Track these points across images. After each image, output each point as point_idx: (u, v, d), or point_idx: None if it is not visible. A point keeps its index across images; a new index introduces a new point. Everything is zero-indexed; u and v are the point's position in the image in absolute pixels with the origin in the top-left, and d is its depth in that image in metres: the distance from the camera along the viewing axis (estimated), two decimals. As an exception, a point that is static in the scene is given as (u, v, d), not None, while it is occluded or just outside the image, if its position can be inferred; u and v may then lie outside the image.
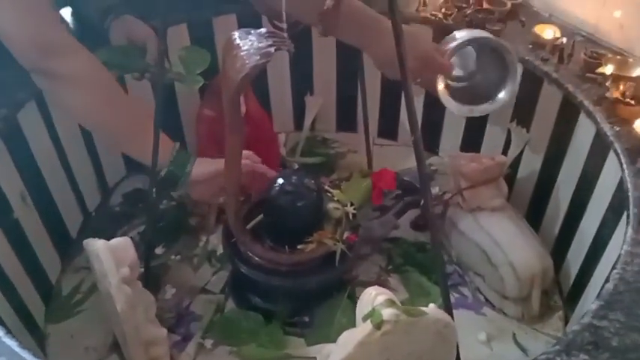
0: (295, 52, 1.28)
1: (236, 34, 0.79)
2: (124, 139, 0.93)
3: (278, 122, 1.33)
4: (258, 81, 1.27)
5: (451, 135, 1.31)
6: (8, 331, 0.66)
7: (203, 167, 0.93)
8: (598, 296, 0.70)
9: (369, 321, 0.69)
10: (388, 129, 1.39)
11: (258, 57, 0.74)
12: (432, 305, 0.72)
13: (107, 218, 1.20)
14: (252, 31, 0.79)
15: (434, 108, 1.28)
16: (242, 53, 0.76)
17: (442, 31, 1.18)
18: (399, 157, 1.29)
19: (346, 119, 1.41)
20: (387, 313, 0.68)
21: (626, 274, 0.71)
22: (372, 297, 0.74)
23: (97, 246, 0.83)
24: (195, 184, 0.93)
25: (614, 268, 0.73)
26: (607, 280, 0.72)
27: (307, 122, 1.38)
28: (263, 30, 0.78)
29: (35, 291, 1.00)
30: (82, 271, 1.09)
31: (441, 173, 1.26)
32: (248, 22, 1.16)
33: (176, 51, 1.05)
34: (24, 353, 0.62)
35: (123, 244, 0.85)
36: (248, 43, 0.77)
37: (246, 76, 0.74)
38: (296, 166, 1.29)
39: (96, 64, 0.91)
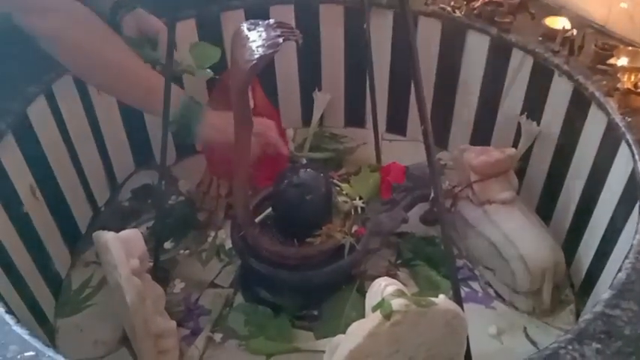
0: (303, 49, 1.30)
1: (244, 26, 0.79)
2: (124, 91, 0.95)
3: (286, 118, 1.33)
4: (266, 77, 1.27)
5: (461, 130, 1.30)
6: (18, 321, 0.66)
7: (215, 116, 0.94)
8: (610, 285, 0.69)
9: (378, 311, 0.68)
10: (397, 124, 1.39)
11: (266, 48, 0.74)
12: (441, 296, 0.71)
13: (116, 213, 1.21)
14: (261, 23, 0.79)
15: (443, 103, 1.28)
16: (250, 44, 0.76)
17: (451, 25, 1.19)
18: (407, 152, 1.29)
19: (354, 114, 1.41)
20: (397, 303, 0.68)
21: (638, 264, 0.70)
22: (382, 288, 0.74)
23: (106, 238, 0.83)
24: (208, 132, 0.94)
25: (626, 257, 0.72)
26: (619, 270, 0.71)
27: (315, 118, 1.37)
28: (271, 21, 0.78)
29: (45, 285, 1.00)
30: (91, 265, 1.09)
31: (450, 168, 1.25)
32: (256, 17, 1.14)
33: (186, 45, 1.05)
34: (34, 342, 0.62)
35: (132, 235, 0.85)
36: (256, 35, 0.77)
37: (254, 66, 0.74)
38: (304, 162, 1.29)
39: (88, 24, 0.90)
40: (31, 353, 0.61)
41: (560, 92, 1.05)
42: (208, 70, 1.03)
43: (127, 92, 0.97)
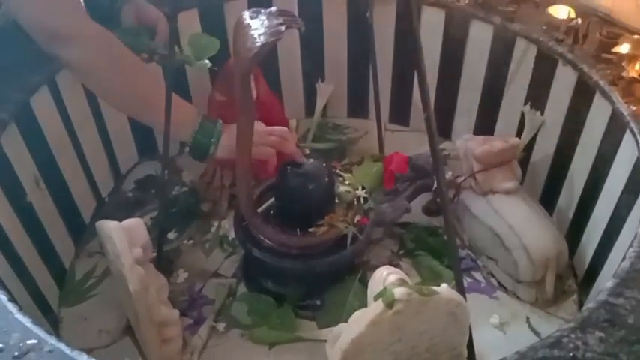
0: (306, 39, 1.29)
1: (246, 14, 0.79)
2: (146, 115, 0.95)
3: (289, 108, 1.32)
4: (269, 67, 1.27)
5: (464, 120, 1.30)
6: (21, 309, 0.66)
7: (230, 136, 0.93)
8: (614, 274, 0.69)
9: (380, 300, 0.68)
10: (400, 115, 1.38)
11: (268, 35, 0.74)
12: (444, 285, 0.71)
13: (120, 204, 1.21)
14: (263, 11, 0.79)
15: (446, 94, 1.28)
16: (252, 32, 0.75)
17: (454, 14, 1.18)
18: (410, 143, 1.29)
19: (358, 105, 1.41)
20: (399, 291, 0.68)
21: (642, 252, 0.70)
22: (384, 276, 0.74)
23: (110, 227, 0.83)
24: (228, 148, 0.93)
25: (630, 246, 0.72)
26: (623, 259, 0.71)
27: (318, 108, 1.37)
28: (273, 9, 0.78)
29: (49, 275, 1.00)
30: (95, 255, 1.10)
31: (453, 159, 1.25)
32: (259, 6, 1.15)
33: (186, 36, 1.05)
34: (37, 329, 0.63)
35: (135, 225, 0.85)
36: (258, 22, 0.76)
37: (256, 54, 0.74)
38: (307, 152, 1.29)
39: (108, 49, 0.91)
40: (34, 341, 0.61)
41: (564, 81, 1.05)
42: (206, 61, 1.03)
43: (148, 118, 0.97)
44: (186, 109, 0.95)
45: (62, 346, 0.61)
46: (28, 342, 0.61)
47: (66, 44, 0.87)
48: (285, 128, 0.99)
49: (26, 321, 0.64)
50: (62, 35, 0.86)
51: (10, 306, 0.66)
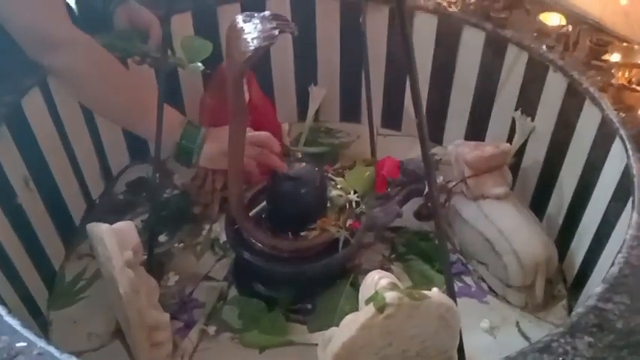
0: (299, 43, 1.29)
1: (240, 18, 0.79)
2: (131, 123, 0.95)
3: (282, 112, 1.32)
4: (262, 71, 1.27)
5: (455, 125, 1.30)
6: (10, 311, 0.66)
7: (216, 138, 0.94)
8: (603, 279, 0.70)
9: (371, 304, 0.68)
10: (392, 119, 1.39)
11: (262, 39, 0.74)
12: (435, 289, 0.71)
13: (110, 206, 1.20)
14: (256, 15, 0.79)
15: (438, 98, 1.29)
16: (246, 36, 0.76)
17: (447, 21, 1.19)
18: (402, 147, 1.29)
19: (350, 109, 1.41)
20: (390, 296, 0.68)
21: (631, 258, 0.71)
22: (375, 280, 0.74)
23: (100, 229, 0.83)
24: (209, 156, 0.94)
25: (619, 252, 0.72)
26: (612, 264, 0.71)
27: (311, 112, 1.37)
28: (267, 13, 0.78)
29: (38, 277, 1.00)
30: (85, 258, 1.09)
31: (444, 163, 1.25)
32: (252, 10, 1.15)
33: (179, 39, 1.05)
34: (26, 332, 0.62)
35: (126, 227, 0.85)
36: (252, 26, 0.77)
37: (249, 58, 0.74)
38: (299, 156, 1.29)
39: (95, 57, 0.91)
40: (23, 344, 0.61)
41: (554, 88, 1.06)
42: (199, 64, 1.03)
43: (138, 127, 0.98)
44: (171, 114, 0.95)
45: (52, 349, 0.60)
46: (17, 345, 0.61)
47: (55, 51, 0.87)
48: (266, 134, 0.99)
49: (15, 324, 0.63)
50: (52, 42, 0.87)
51: (0, 309, 0.66)
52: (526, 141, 1.15)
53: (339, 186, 1.02)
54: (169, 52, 1.02)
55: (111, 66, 0.93)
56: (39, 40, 0.87)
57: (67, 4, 1.03)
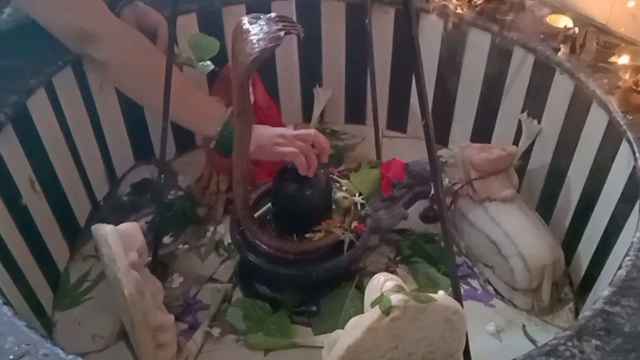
0: (304, 45, 1.29)
1: (245, 19, 0.79)
2: (178, 112, 0.95)
3: (287, 114, 1.33)
4: (267, 73, 1.27)
5: (461, 127, 1.30)
6: (16, 313, 0.65)
7: (259, 131, 0.94)
8: (611, 282, 0.69)
9: (377, 306, 0.68)
10: (397, 121, 1.39)
11: (268, 41, 0.74)
12: (441, 292, 0.71)
13: (115, 208, 1.20)
14: (262, 16, 0.78)
15: (444, 101, 1.28)
16: (251, 37, 0.75)
17: (453, 22, 1.18)
18: (408, 149, 1.29)
19: (355, 111, 1.41)
20: (396, 298, 0.68)
21: (639, 261, 0.70)
22: (381, 283, 0.74)
23: (105, 230, 0.83)
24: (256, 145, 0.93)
25: (627, 255, 0.72)
26: (620, 267, 0.71)
27: (316, 114, 1.37)
28: (273, 15, 0.78)
29: (43, 278, 1.00)
30: (89, 259, 1.09)
31: (450, 165, 1.25)
32: (257, 12, 1.15)
33: (185, 38, 1.05)
34: (31, 333, 0.62)
35: (131, 228, 0.85)
36: (257, 28, 0.76)
37: (255, 59, 0.74)
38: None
39: (133, 47, 0.93)
40: (28, 345, 0.61)
41: (561, 90, 1.05)
42: (208, 62, 1.02)
43: (181, 115, 0.98)
44: (217, 104, 0.98)
45: (57, 350, 0.60)
46: (23, 346, 0.61)
47: (96, 43, 0.89)
48: (313, 131, 0.98)
49: (21, 325, 0.63)
50: (92, 35, 0.89)
51: (5, 309, 0.66)
52: (533, 143, 1.14)
53: (344, 188, 1.02)
54: (179, 51, 1.02)
55: (153, 53, 0.95)
56: (80, 34, 0.89)
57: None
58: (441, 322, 0.71)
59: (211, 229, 1.15)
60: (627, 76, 0.96)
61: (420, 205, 1.14)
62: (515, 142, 1.16)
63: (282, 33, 0.74)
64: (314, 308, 0.99)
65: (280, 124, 1.23)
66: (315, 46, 1.31)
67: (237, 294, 1.03)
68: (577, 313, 1.00)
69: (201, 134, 1.04)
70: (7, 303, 0.68)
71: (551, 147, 1.10)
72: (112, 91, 1.15)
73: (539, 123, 1.12)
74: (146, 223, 1.15)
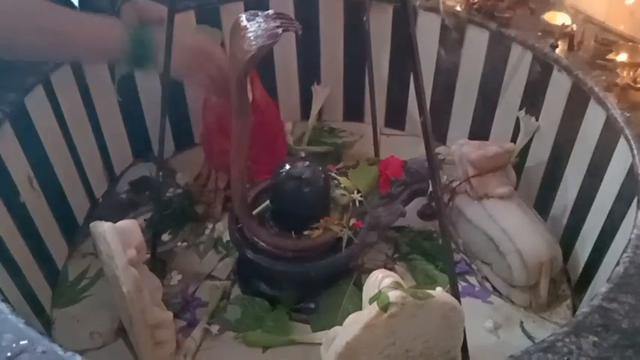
0: (303, 42, 1.29)
1: (243, 16, 0.79)
2: (64, 50, 0.89)
3: (285, 111, 1.32)
4: (265, 70, 1.27)
5: (459, 125, 1.30)
6: (14, 310, 0.66)
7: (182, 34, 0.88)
8: (608, 279, 0.70)
9: (375, 303, 0.68)
10: (395, 119, 1.39)
11: (265, 38, 0.74)
12: (438, 289, 0.71)
13: (114, 205, 1.20)
14: (260, 13, 0.79)
15: (442, 98, 1.28)
16: (249, 34, 0.76)
17: (451, 20, 1.18)
18: (406, 147, 1.29)
19: (353, 109, 1.41)
20: (394, 295, 0.68)
21: (636, 258, 0.70)
22: (379, 279, 0.74)
23: (104, 228, 0.83)
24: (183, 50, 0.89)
25: (624, 251, 0.72)
26: (617, 264, 0.71)
27: (314, 111, 1.37)
28: (270, 12, 0.78)
29: (42, 276, 1.00)
30: (88, 257, 1.09)
31: (448, 163, 1.25)
32: (255, 9, 1.15)
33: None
34: (29, 330, 0.62)
35: (130, 226, 0.85)
36: (255, 25, 0.77)
37: (253, 56, 0.74)
38: (303, 155, 1.29)
39: None
40: (26, 342, 0.61)
41: (559, 87, 1.05)
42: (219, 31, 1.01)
43: (68, 51, 0.91)
44: (111, 21, 0.90)
45: (55, 347, 0.60)
46: (21, 343, 0.61)
47: None
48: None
49: (19, 322, 0.63)
50: None
51: (3, 306, 0.66)
52: (530, 140, 1.14)
53: (342, 185, 1.02)
54: None
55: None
56: None
57: (71, 2, 1.03)
58: (438, 318, 0.71)
59: (210, 226, 1.15)
60: (625, 73, 0.96)
61: (418, 203, 1.14)
62: (513, 140, 1.16)
63: (279, 30, 0.74)
64: (312, 305, 0.99)
65: (278, 122, 1.23)
66: (313, 43, 1.31)
67: (236, 291, 1.03)
68: (574, 309, 1.01)
69: (109, 58, 0.94)
70: (5, 300, 0.68)
71: (549, 144, 1.10)
72: (110, 88, 1.15)
73: (536, 120, 1.12)
74: (144, 220, 1.15)
